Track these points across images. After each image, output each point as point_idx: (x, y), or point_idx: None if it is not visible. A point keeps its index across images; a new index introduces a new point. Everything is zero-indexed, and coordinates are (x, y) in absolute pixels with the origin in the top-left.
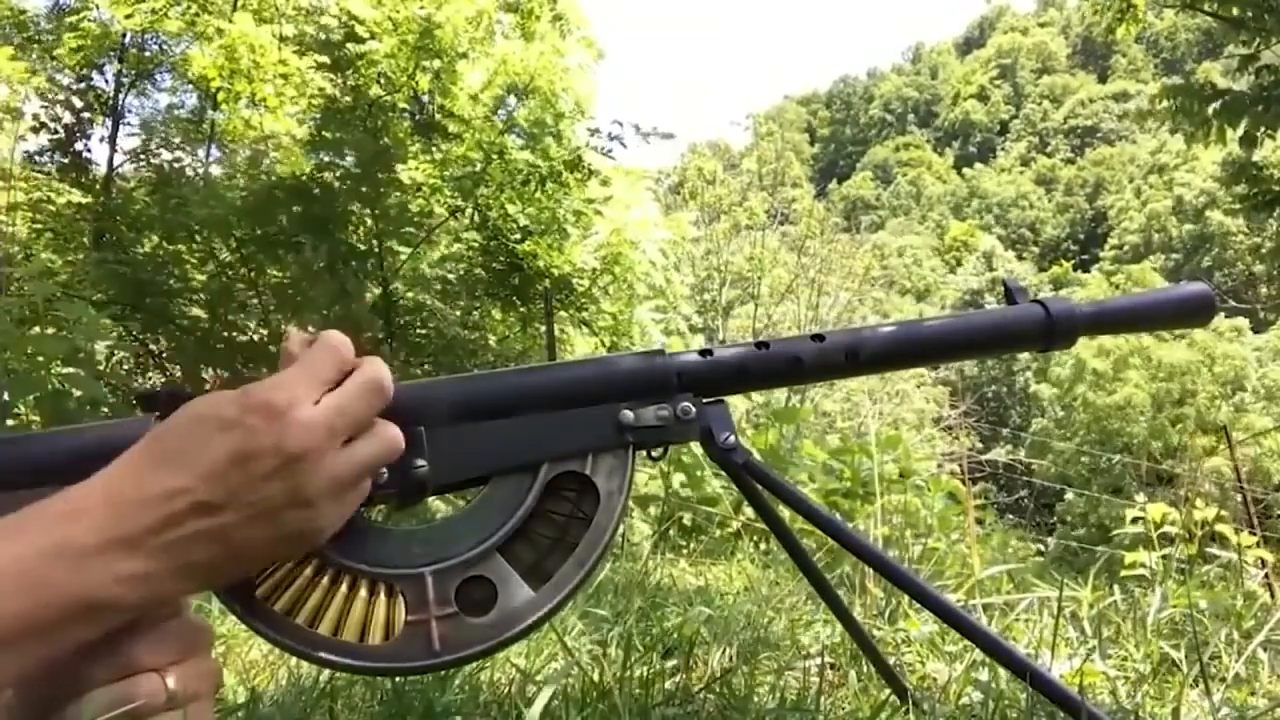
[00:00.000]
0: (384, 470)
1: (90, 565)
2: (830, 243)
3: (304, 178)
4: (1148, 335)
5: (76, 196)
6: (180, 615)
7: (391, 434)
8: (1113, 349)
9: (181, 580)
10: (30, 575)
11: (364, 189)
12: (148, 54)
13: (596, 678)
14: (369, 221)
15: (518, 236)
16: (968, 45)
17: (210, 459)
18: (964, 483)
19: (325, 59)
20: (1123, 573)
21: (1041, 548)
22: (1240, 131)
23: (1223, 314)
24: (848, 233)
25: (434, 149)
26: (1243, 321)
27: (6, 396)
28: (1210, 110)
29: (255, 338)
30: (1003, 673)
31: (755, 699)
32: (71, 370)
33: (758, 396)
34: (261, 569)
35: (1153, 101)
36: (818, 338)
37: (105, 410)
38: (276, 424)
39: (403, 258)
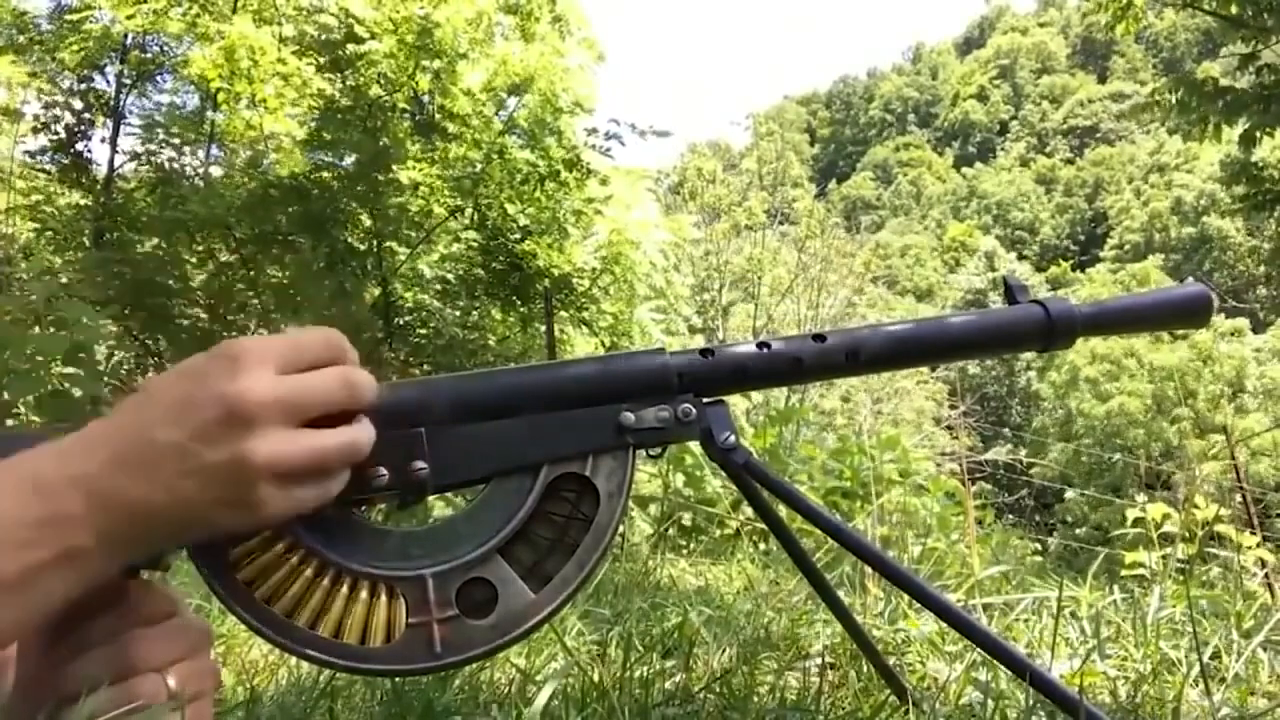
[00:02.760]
0: (384, 471)
1: (45, 496)
2: (831, 242)
3: (303, 178)
4: (1140, 339)
5: (77, 197)
6: (180, 615)
7: (355, 434)
8: (1105, 353)
9: (127, 525)
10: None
11: (363, 189)
12: (148, 55)
13: (596, 678)
14: (368, 221)
15: (518, 236)
16: (968, 45)
17: (166, 399)
18: (964, 483)
19: (325, 59)
20: (1123, 573)
21: (1041, 547)
22: (1239, 130)
23: (1223, 315)
24: (848, 232)
25: (434, 149)
26: (1243, 322)
27: (7, 396)
28: (1211, 108)
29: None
30: (1003, 673)
31: (755, 699)
32: (71, 370)
33: (757, 396)
34: (209, 535)
35: (1153, 95)
36: (818, 338)
37: (105, 411)
38: (229, 372)
39: (402, 258)
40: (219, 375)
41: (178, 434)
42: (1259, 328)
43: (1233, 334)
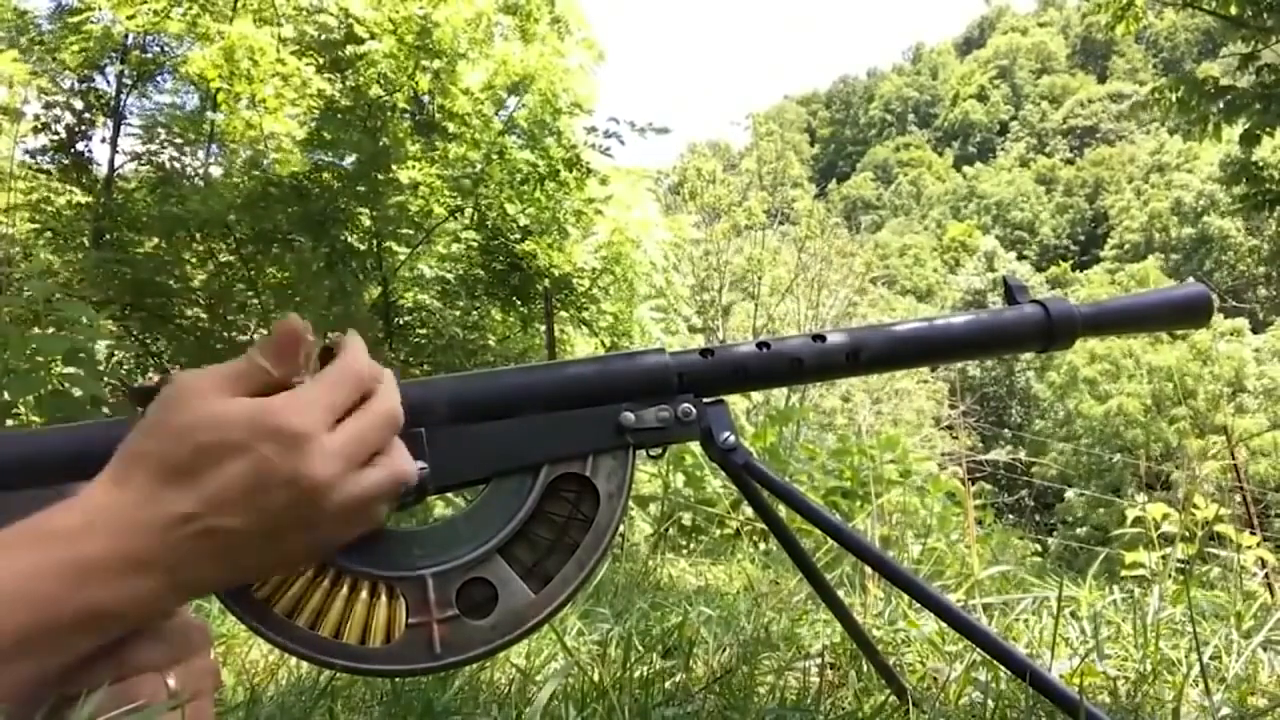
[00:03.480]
0: None
1: (100, 582)
2: (832, 242)
3: (302, 178)
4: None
5: (77, 197)
6: (180, 615)
7: (404, 464)
8: (1104, 354)
9: (186, 593)
10: (38, 591)
11: (363, 189)
12: (149, 55)
13: (596, 678)
14: (368, 221)
15: (518, 236)
16: (968, 45)
17: (222, 485)
18: (964, 483)
19: (325, 59)
20: (1123, 573)
21: (1041, 547)
22: (1238, 129)
23: (1222, 315)
24: (848, 232)
25: (434, 149)
26: (1243, 322)
27: (7, 396)
28: (1211, 107)
29: (255, 337)
30: (1003, 673)
31: (755, 699)
32: (71, 370)
33: (757, 396)
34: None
35: (1153, 92)
36: (818, 338)
37: (106, 410)
38: (293, 454)
39: (401, 258)
40: (280, 456)
41: (256, 520)
42: (1259, 328)
43: (1232, 333)
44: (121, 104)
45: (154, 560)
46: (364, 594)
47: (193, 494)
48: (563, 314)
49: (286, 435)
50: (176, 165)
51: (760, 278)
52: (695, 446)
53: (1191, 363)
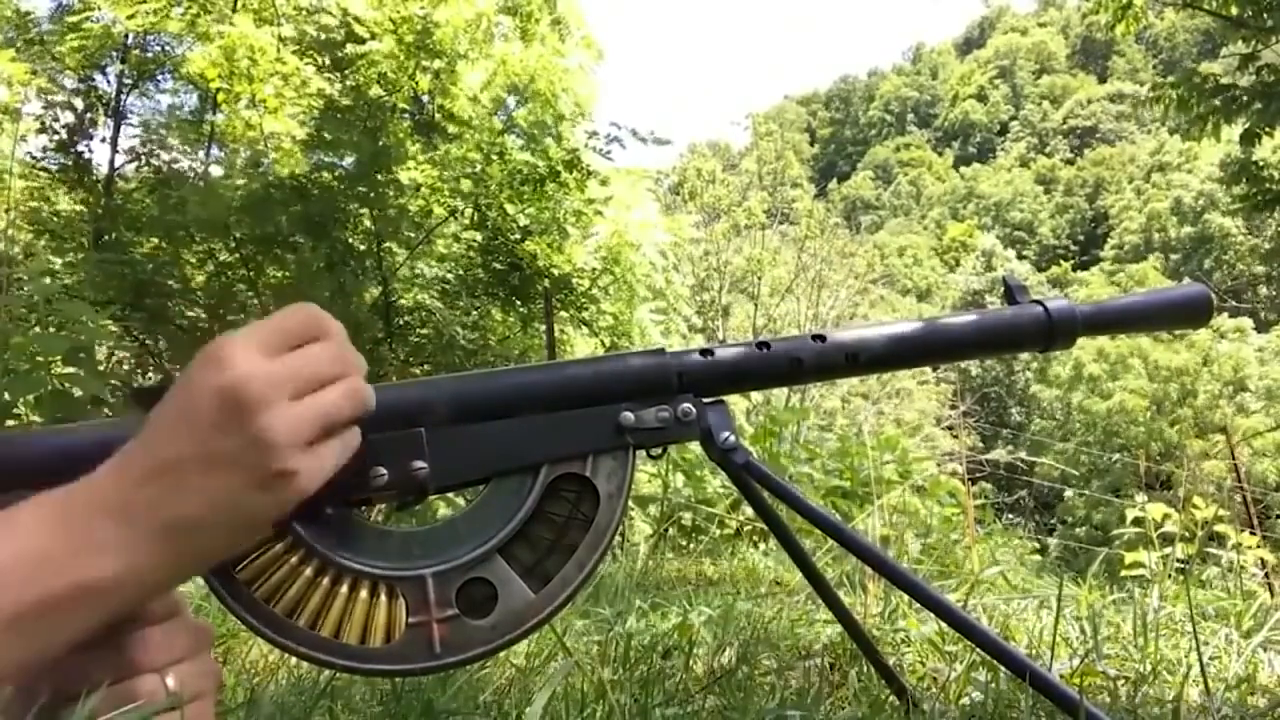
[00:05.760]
0: (384, 471)
1: (73, 539)
2: (832, 242)
3: (303, 178)
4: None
5: (77, 197)
6: (180, 615)
7: (359, 385)
8: (1110, 351)
9: (163, 543)
10: (26, 564)
11: (363, 189)
12: (149, 55)
13: (596, 678)
14: (368, 222)
15: (518, 236)
16: (968, 45)
17: (163, 419)
18: (964, 483)
19: (325, 59)
20: (1122, 573)
21: (1041, 547)
22: (1237, 128)
23: (1226, 314)
24: (848, 232)
25: (434, 149)
26: (1246, 322)
27: (8, 396)
28: (1210, 105)
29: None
30: (1003, 673)
31: (755, 699)
32: (71, 370)
33: (757, 396)
34: (257, 531)
35: (1153, 90)
36: (818, 338)
37: (107, 411)
38: (215, 370)
39: (401, 258)
40: (208, 375)
41: (189, 443)
42: (1261, 327)
43: (1236, 332)
44: (121, 104)
45: (117, 511)
46: (364, 594)
47: (145, 439)
48: (563, 314)
49: (215, 356)
50: (176, 165)
51: (760, 278)
52: (695, 446)
53: (1194, 364)
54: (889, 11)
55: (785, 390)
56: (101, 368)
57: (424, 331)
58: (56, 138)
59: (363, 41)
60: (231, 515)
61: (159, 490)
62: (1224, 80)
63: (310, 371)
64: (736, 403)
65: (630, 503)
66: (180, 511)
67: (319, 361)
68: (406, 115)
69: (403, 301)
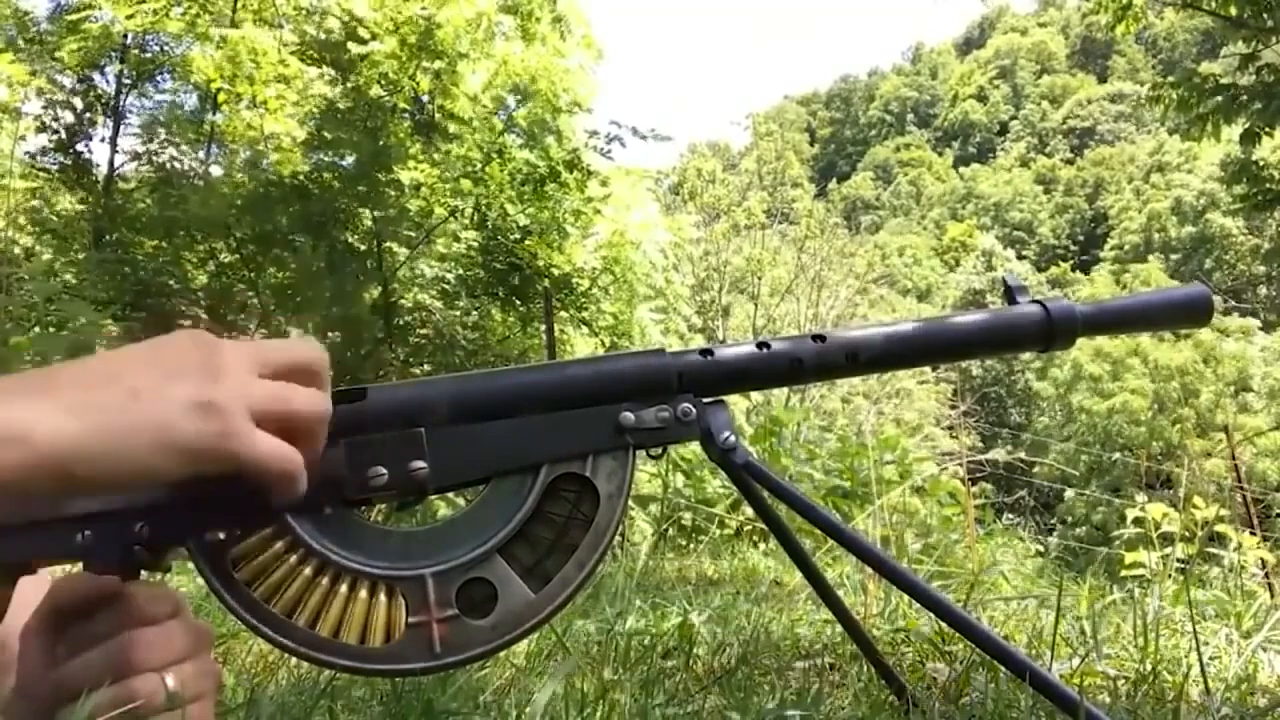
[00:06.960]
0: (383, 471)
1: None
2: (832, 242)
3: (303, 178)
4: (1146, 337)
5: (78, 197)
6: (180, 615)
7: (320, 394)
8: (1110, 351)
9: (78, 420)
10: None
11: (363, 189)
12: (149, 55)
13: (597, 678)
14: (368, 222)
15: (517, 236)
16: (967, 45)
17: (139, 356)
18: (964, 483)
19: (326, 59)
20: (1122, 572)
21: (1041, 548)
22: (1237, 128)
23: (1235, 314)
24: (848, 232)
25: (434, 149)
26: (1252, 322)
27: None
28: (1210, 105)
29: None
30: (1003, 672)
31: (755, 699)
32: None
33: (757, 396)
34: (168, 458)
35: (1153, 90)
36: (818, 338)
37: None
38: (194, 334)
39: (402, 258)
40: (185, 336)
41: (143, 349)
42: (1265, 328)
43: (1240, 332)
44: (121, 104)
45: (37, 382)
46: (363, 593)
47: (103, 359)
48: (563, 314)
49: (197, 333)
50: (176, 165)
51: (760, 278)
52: (695, 446)
53: (1196, 364)
54: (889, 11)
55: (785, 390)
56: None
57: (424, 331)
58: (56, 137)
59: (365, 42)
60: (153, 418)
61: (89, 374)
62: (1224, 80)
63: (285, 387)
64: (736, 403)
65: (630, 503)
66: (101, 398)
67: (285, 369)
68: (407, 115)
69: (403, 301)
